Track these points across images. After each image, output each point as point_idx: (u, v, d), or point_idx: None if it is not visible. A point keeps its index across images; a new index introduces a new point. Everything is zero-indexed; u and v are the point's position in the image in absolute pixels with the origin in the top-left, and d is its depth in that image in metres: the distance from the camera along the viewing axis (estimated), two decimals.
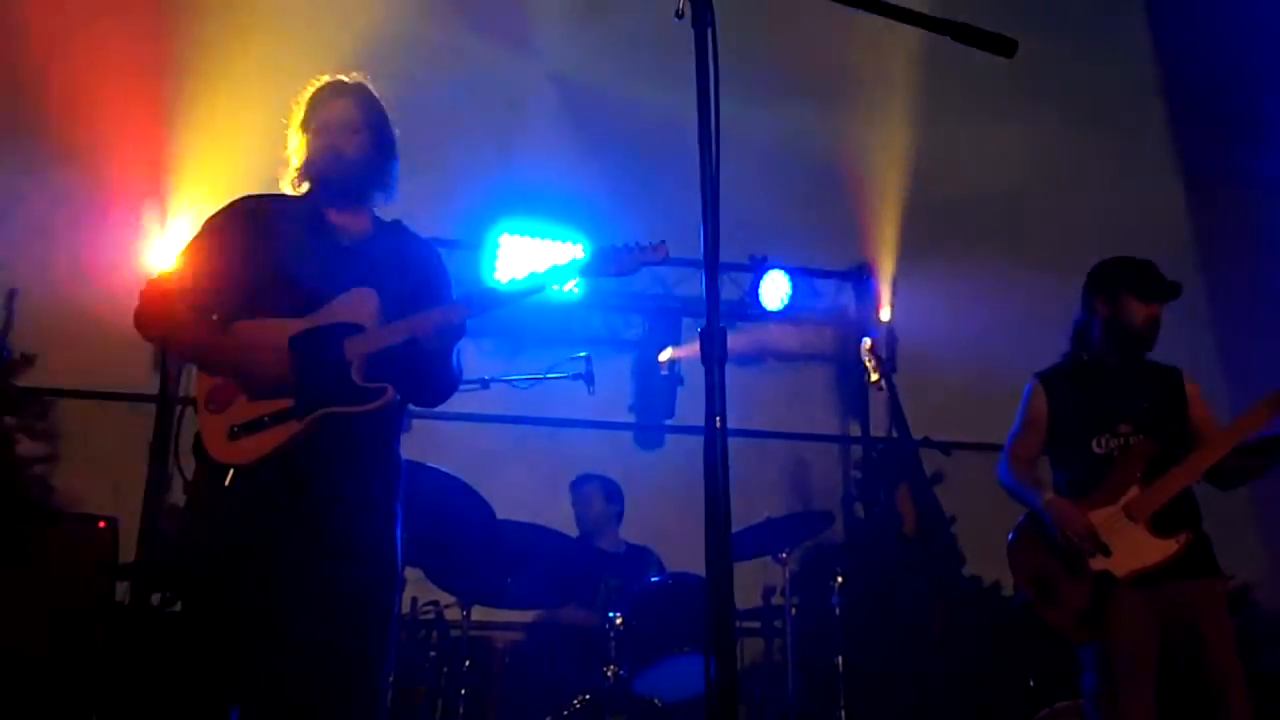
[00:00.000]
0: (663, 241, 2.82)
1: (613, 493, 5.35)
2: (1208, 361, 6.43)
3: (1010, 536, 3.68)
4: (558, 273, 2.82)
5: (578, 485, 5.38)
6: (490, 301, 2.82)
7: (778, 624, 4.85)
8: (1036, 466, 3.76)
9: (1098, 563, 3.48)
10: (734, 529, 1.95)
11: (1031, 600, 3.58)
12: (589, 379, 4.83)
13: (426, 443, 4.84)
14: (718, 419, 1.91)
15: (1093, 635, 3.46)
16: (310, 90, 2.91)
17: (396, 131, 2.94)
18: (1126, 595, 3.44)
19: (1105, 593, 3.44)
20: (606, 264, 2.81)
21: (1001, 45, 2.19)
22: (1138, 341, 3.68)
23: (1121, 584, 3.44)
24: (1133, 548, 3.47)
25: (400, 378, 2.72)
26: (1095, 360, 3.73)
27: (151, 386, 5.61)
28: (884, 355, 6.04)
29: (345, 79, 2.92)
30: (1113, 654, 3.43)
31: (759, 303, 6.25)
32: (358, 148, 2.83)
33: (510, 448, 5.87)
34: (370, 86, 2.94)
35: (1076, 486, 3.64)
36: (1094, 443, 3.61)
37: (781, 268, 6.27)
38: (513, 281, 2.89)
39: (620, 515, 5.36)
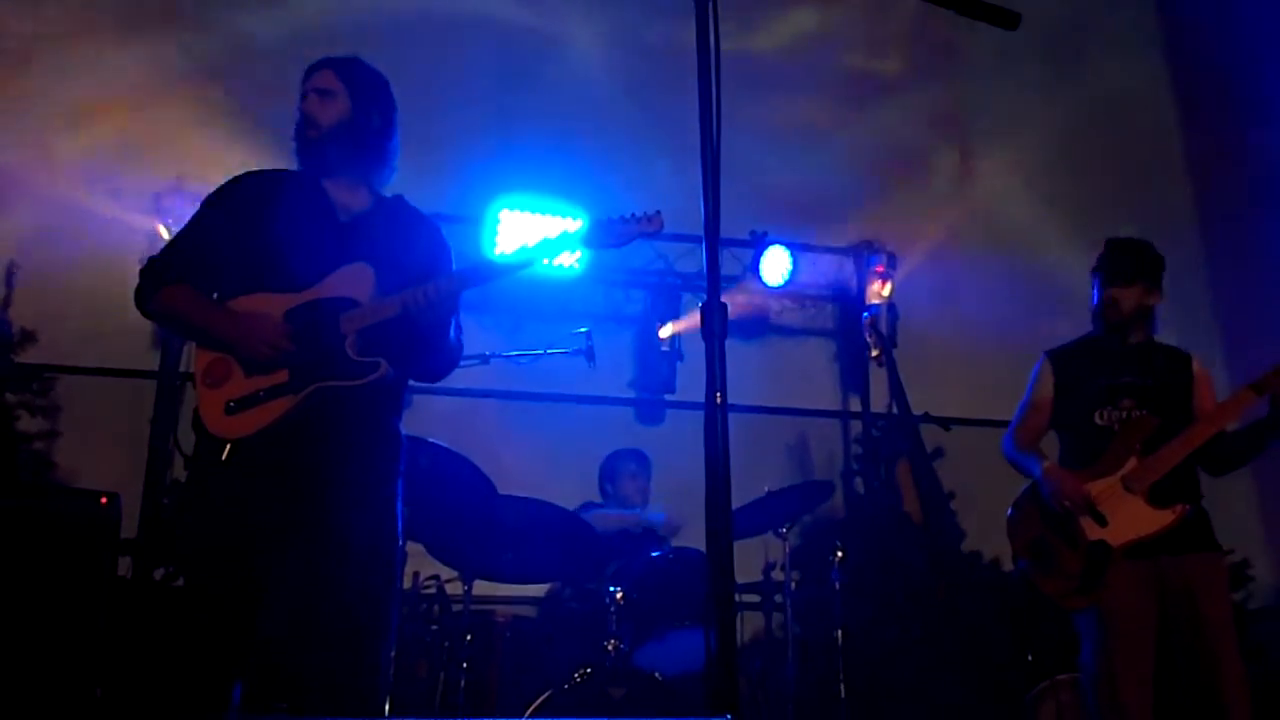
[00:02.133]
0: (658, 212, 2.80)
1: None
2: (1210, 346, 6.41)
3: (1011, 509, 3.73)
4: (553, 244, 2.82)
5: (634, 458, 5.36)
6: (486, 273, 2.82)
7: (778, 598, 4.87)
8: (1040, 443, 3.80)
9: (1094, 531, 3.53)
10: (734, 505, 1.95)
11: (1028, 568, 3.63)
12: (590, 354, 4.82)
13: (427, 418, 4.85)
14: (718, 394, 1.91)
15: (1085, 603, 3.51)
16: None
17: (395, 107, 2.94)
18: (1122, 565, 3.48)
19: (1101, 561, 3.48)
20: (603, 235, 2.80)
21: (1004, 18, 2.19)
22: (1103, 322, 3.74)
23: (1117, 553, 3.48)
24: (1129, 518, 3.51)
25: (395, 352, 2.72)
26: (1104, 339, 3.76)
27: (152, 362, 5.62)
28: (885, 331, 6.06)
29: (339, 55, 2.91)
30: (1109, 626, 3.46)
31: (760, 278, 6.24)
32: (332, 114, 2.82)
33: (511, 423, 5.88)
34: (365, 61, 2.93)
35: (1078, 457, 3.70)
36: (1096, 414, 3.67)
37: (783, 243, 6.26)
38: (508, 254, 2.89)
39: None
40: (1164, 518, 3.51)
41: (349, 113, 2.83)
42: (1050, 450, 3.82)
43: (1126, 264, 3.71)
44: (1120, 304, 3.69)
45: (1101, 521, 3.52)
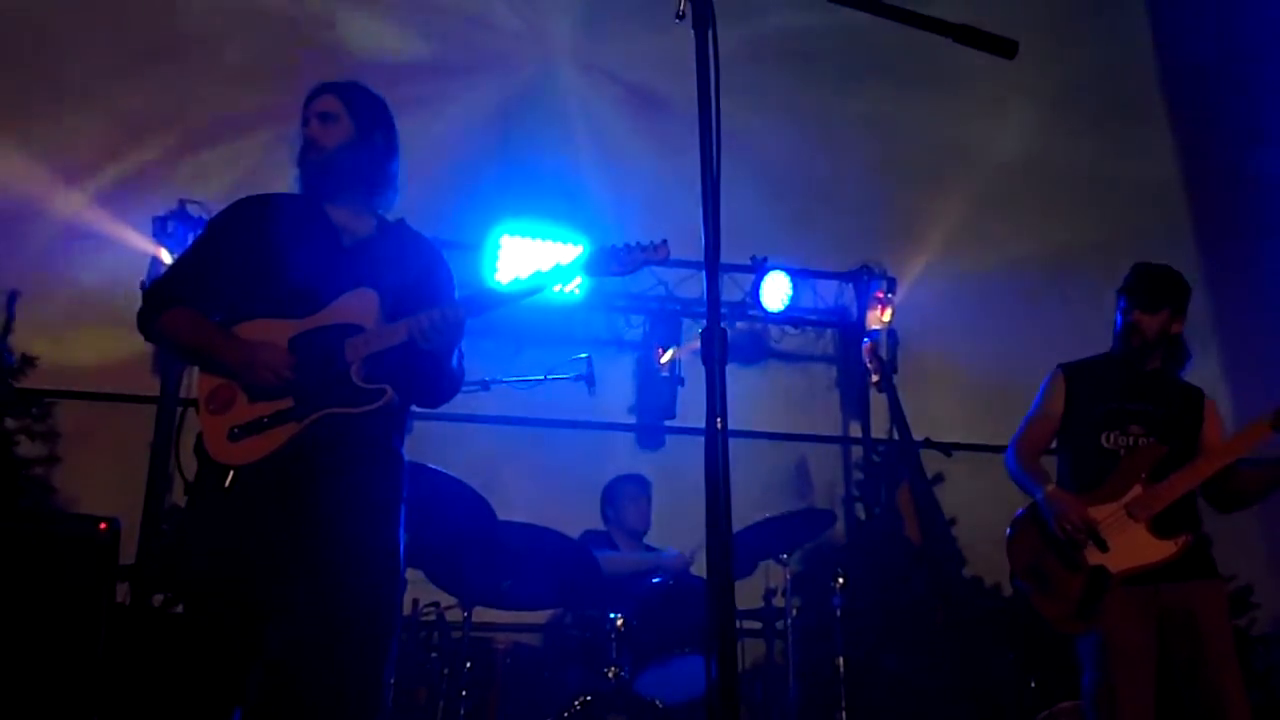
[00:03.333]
0: (664, 241, 2.80)
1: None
2: (1209, 370, 6.41)
3: (1009, 529, 3.71)
4: (558, 272, 2.82)
5: (636, 483, 5.34)
6: (490, 301, 2.82)
7: (779, 625, 4.85)
8: (1042, 457, 3.78)
9: (1094, 557, 3.51)
10: (735, 529, 1.95)
11: (1027, 591, 3.62)
12: (590, 380, 4.82)
13: (427, 444, 4.84)
14: (719, 420, 1.91)
15: (1082, 628, 3.50)
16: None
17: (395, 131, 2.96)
18: (1120, 592, 3.46)
19: (1099, 587, 3.47)
20: (607, 263, 2.80)
21: (1002, 46, 2.19)
22: (1124, 346, 3.72)
23: (1116, 580, 3.47)
24: (1131, 546, 3.50)
25: (400, 378, 2.72)
26: (1119, 361, 3.75)
27: (152, 388, 5.62)
28: (885, 356, 6.06)
29: (339, 80, 2.94)
30: (1110, 652, 3.44)
31: (760, 304, 6.25)
32: (335, 137, 2.83)
33: (511, 449, 5.87)
34: (366, 86, 2.95)
35: (1079, 477, 3.67)
36: (1103, 437, 3.64)
37: (783, 269, 6.27)
38: (513, 281, 2.89)
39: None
40: (1166, 548, 3.50)
41: (353, 134, 2.85)
42: (1048, 467, 3.80)
43: (1155, 290, 3.69)
44: (1144, 329, 3.67)
45: (1103, 547, 3.51)
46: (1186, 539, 3.50)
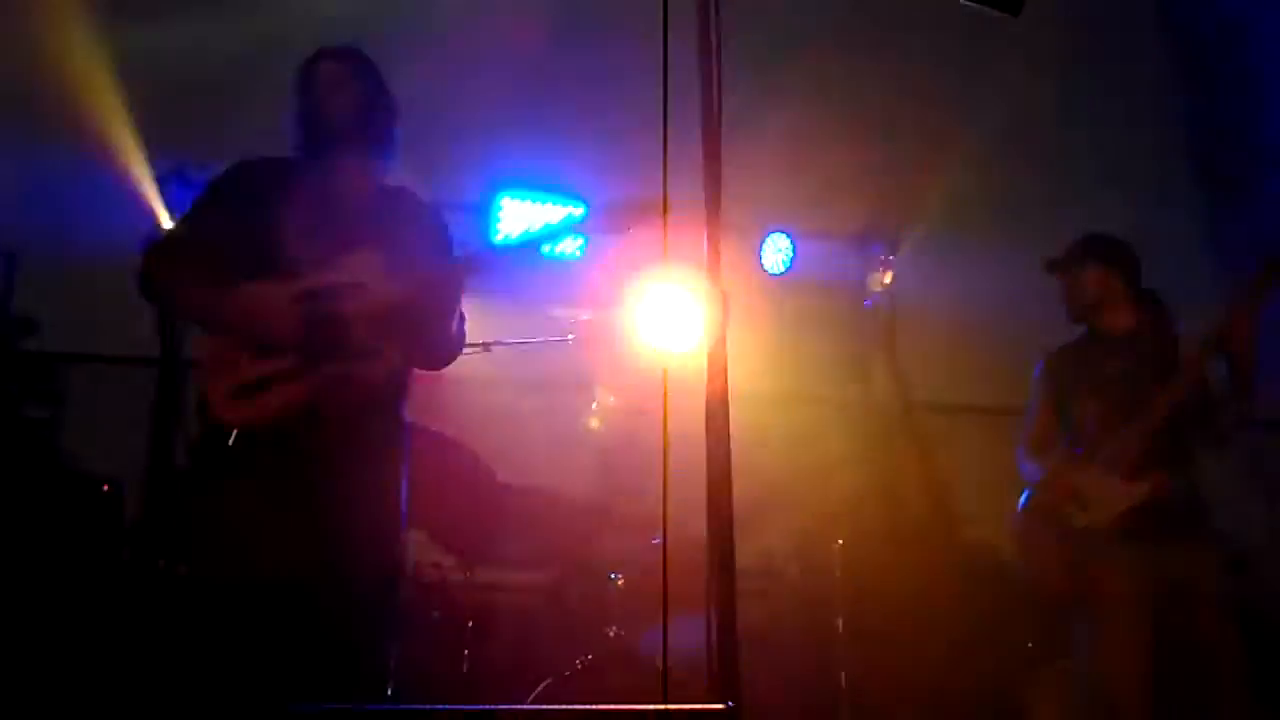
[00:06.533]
0: (663, 196, 2.79)
1: None
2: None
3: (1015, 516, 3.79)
4: (558, 230, 2.82)
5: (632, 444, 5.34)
6: (490, 259, 2.82)
7: (779, 587, 4.88)
8: (1050, 444, 3.82)
9: (1080, 519, 3.56)
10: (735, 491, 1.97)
11: (1030, 571, 3.70)
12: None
13: (428, 406, 4.84)
14: (719, 382, 1.92)
15: (1079, 590, 3.53)
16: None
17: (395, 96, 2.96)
18: (1114, 550, 3.49)
19: (1087, 547, 3.52)
20: (607, 220, 2.79)
21: (1007, 3, 2.18)
22: (1070, 313, 3.82)
23: (1103, 535, 3.51)
24: (1110, 497, 3.54)
25: (402, 338, 2.73)
26: (1094, 331, 3.81)
27: (154, 349, 5.61)
28: (885, 319, 6.06)
29: (340, 46, 2.94)
30: (1106, 613, 3.48)
31: (760, 265, 6.22)
32: (344, 103, 2.83)
33: (511, 411, 5.87)
34: (364, 52, 2.95)
35: (1072, 445, 3.74)
36: (1082, 404, 3.74)
37: (783, 231, 6.25)
38: (521, 234, 2.89)
39: None
40: (1139, 489, 3.51)
41: (363, 101, 2.86)
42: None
43: (1072, 251, 3.80)
44: (1074, 290, 3.76)
45: (1081, 507, 3.57)
46: (1158, 477, 3.51)
